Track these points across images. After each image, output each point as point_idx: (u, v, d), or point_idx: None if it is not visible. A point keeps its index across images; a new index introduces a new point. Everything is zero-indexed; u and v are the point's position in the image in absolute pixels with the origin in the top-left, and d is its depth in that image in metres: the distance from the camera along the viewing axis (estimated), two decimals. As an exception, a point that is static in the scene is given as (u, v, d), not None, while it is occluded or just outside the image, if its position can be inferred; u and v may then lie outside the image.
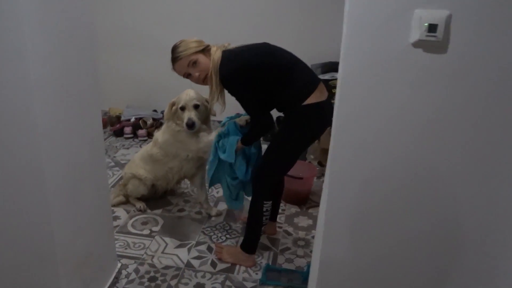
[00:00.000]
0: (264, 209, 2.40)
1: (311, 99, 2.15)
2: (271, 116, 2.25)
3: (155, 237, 2.73)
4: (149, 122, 4.27)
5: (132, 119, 4.29)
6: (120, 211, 3.01)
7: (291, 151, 2.28)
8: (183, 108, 2.70)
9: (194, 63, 2.22)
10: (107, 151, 3.97)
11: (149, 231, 2.79)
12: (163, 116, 4.36)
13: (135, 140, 4.24)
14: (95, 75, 1.92)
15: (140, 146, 4.09)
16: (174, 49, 2.27)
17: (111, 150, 3.98)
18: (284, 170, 2.40)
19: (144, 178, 2.99)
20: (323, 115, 2.19)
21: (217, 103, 2.30)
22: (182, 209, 3.06)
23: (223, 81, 2.18)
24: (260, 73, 2.18)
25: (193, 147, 2.76)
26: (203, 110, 2.75)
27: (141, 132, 4.22)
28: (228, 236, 2.77)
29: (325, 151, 3.67)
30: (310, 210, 3.07)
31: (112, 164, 3.72)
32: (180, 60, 2.24)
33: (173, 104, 2.77)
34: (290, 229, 2.85)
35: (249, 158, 2.49)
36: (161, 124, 4.21)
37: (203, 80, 2.27)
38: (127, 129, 4.24)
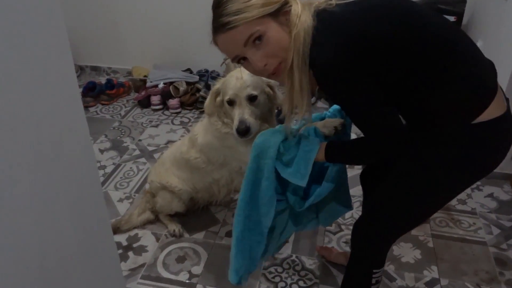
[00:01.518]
0: (373, 280, 1.47)
1: (488, 113, 1.15)
2: (405, 130, 1.21)
3: (197, 286, 1.88)
4: (182, 88, 3.29)
5: (161, 85, 3.32)
6: (147, 236, 2.16)
7: (439, 198, 1.32)
8: (232, 103, 1.72)
9: (259, 38, 1.18)
10: (130, 131, 3.06)
11: (187, 275, 1.94)
12: (200, 81, 3.49)
13: (165, 113, 3.30)
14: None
15: (172, 122, 3.16)
16: (218, 6, 1.21)
17: (136, 130, 3.07)
18: (416, 225, 1.41)
19: (178, 190, 2.09)
20: (503, 137, 1.20)
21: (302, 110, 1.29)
22: (232, 232, 2.17)
23: (320, 72, 1.16)
24: (392, 56, 1.15)
25: (248, 158, 1.79)
26: (263, 102, 1.76)
27: (173, 102, 3.26)
28: (301, 281, 1.89)
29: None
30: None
31: (137, 152, 2.82)
32: (231, 30, 1.17)
33: (217, 93, 1.80)
34: (390, 268, 1.92)
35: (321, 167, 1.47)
36: (198, 90, 3.24)
37: (274, 72, 1.24)
38: (155, 98, 3.29)
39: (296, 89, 1.22)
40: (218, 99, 1.79)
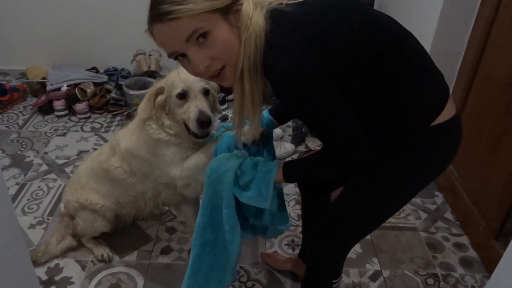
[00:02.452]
0: None
1: (444, 115, 1.17)
2: (368, 144, 1.12)
3: (137, 316, 1.70)
4: (90, 90, 2.98)
5: (64, 87, 2.97)
6: (71, 265, 1.90)
7: (401, 199, 1.29)
8: (183, 96, 1.54)
9: (203, 35, 1.01)
10: (33, 143, 2.69)
11: (124, 304, 1.75)
12: (110, 81, 3.12)
13: (73, 119, 2.96)
14: None
15: (82, 129, 2.84)
16: None
17: (39, 142, 2.71)
18: (375, 227, 1.38)
19: (101, 208, 1.86)
20: (456, 137, 1.22)
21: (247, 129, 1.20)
22: (168, 248, 2.00)
23: (280, 81, 1.02)
24: (353, 61, 1.06)
25: (173, 170, 1.64)
26: (211, 101, 1.63)
27: (80, 106, 2.93)
28: (249, 293, 1.81)
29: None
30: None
31: (44, 167, 2.49)
32: (172, 21, 0.98)
33: (158, 93, 1.60)
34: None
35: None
36: (107, 91, 2.96)
37: (217, 75, 1.09)
38: (58, 103, 2.94)
39: (247, 100, 1.10)
40: (160, 98, 1.59)
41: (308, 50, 1.00)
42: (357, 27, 1.06)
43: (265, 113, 1.52)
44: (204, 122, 1.51)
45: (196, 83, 1.53)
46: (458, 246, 2.06)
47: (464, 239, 2.10)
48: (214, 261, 1.43)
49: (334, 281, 1.41)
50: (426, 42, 2.24)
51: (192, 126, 1.53)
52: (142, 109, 1.63)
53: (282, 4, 1.07)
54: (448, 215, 2.24)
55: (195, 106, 1.53)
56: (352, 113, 1.08)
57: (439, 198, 2.35)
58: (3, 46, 3.30)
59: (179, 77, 1.51)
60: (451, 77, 2.30)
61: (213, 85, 1.62)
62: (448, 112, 1.16)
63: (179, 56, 1.06)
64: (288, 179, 1.25)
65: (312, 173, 1.22)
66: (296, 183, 1.65)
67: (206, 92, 1.57)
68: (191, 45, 1.02)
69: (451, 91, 2.31)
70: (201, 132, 1.54)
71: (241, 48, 1.04)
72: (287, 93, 1.03)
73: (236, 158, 1.31)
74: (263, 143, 1.47)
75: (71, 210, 1.94)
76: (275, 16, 1.05)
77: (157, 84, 1.63)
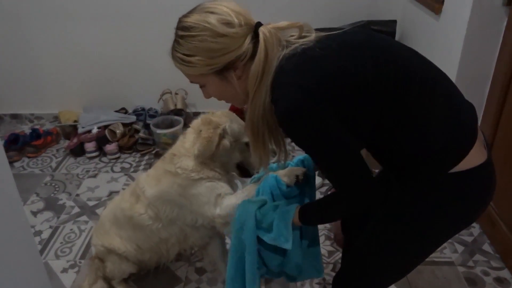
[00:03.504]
0: None
1: (468, 162, 1.06)
2: (377, 182, 1.11)
3: None
4: (119, 131, 3.06)
5: (94, 130, 3.06)
6: (102, 310, 1.91)
7: (419, 253, 1.22)
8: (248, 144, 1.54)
9: (201, 85, 1.23)
10: (65, 185, 2.77)
11: None
12: (138, 121, 3.16)
13: (103, 160, 3.04)
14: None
15: (112, 170, 2.91)
16: (175, 38, 1.15)
17: (71, 184, 2.78)
18: (396, 280, 1.33)
19: (123, 253, 1.86)
20: (484, 187, 1.12)
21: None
22: (198, 291, 1.99)
23: (282, 117, 1.06)
24: (368, 99, 1.05)
25: (211, 210, 1.62)
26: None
27: (110, 147, 3.01)
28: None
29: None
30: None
31: (76, 210, 2.54)
32: (179, 68, 1.20)
33: (222, 136, 1.59)
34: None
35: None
36: (136, 131, 3.02)
37: (238, 104, 1.28)
38: (89, 145, 3.02)
39: (259, 143, 1.19)
40: (225, 142, 1.58)
41: (315, 89, 1.01)
42: (369, 65, 1.05)
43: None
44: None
45: None
46: (500, 281, 1.95)
47: (506, 273, 1.99)
48: None
49: None
50: (452, 68, 2.20)
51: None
52: (202, 152, 1.57)
53: (310, 41, 1.08)
54: (487, 247, 2.14)
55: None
56: (358, 151, 1.08)
57: (476, 229, 2.25)
58: (37, 92, 3.45)
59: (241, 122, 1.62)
60: (480, 102, 2.24)
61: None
62: (473, 159, 1.08)
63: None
64: (304, 221, 1.26)
65: (326, 213, 1.23)
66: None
67: None
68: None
69: (480, 116, 2.24)
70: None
71: (249, 107, 1.13)
72: (289, 129, 1.07)
73: (253, 203, 1.33)
74: (304, 185, 1.47)
75: (99, 253, 1.96)
76: (289, 55, 1.06)
77: (212, 125, 1.58)
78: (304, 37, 1.11)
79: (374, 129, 1.09)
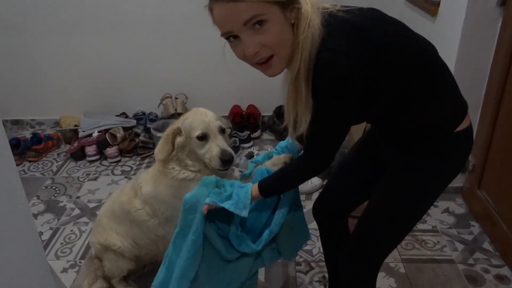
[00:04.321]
0: None
1: (464, 123, 1.26)
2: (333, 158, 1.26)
3: None
4: (120, 134, 3.08)
5: (95, 133, 3.08)
6: (102, 309, 1.91)
7: (427, 204, 1.35)
8: (203, 137, 1.58)
9: (260, 22, 1.05)
10: (66, 188, 2.78)
11: None
12: (138, 125, 3.19)
13: (103, 163, 3.05)
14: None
15: (113, 173, 2.92)
16: None
17: (72, 187, 2.79)
18: (405, 236, 1.40)
19: (118, 248, 1.86)
20: (471, 143, 1.31)
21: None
22: (197, 289, 1.98)
23: (322, 81, 1.07)
24: (398, 71, 1.14)
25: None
26: (227, 138, 1.69)
27: (111, 151, 3.02)
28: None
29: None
30: (388, 262, 2.06)
31: (77, 211, 2.55)
32: (235, 3, 1.03)
33: (175, 133, 1.63)
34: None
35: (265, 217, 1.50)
36: (136, 135, 3.04)
37: (262, 63, 1.13)
38: (90, 149, 3.04)
39: (302, 100, 1.13)
40: (179, 140, 1.62)
41: (361, 66, 1.06)
42: (401, 41, 1.15)
43: (288, 138, 1.56)
44: (227, 160, 1.56)
45: (213, 123, 1.59)
46: (500, 278, 1.95)
47: (506, 271, 1.99)
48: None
49: None
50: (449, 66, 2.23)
51: (215, 163, 1.56)
52: (160, 150, 1.64)
53: (334, 9, 1.12)
54: (487, 245, 2.14)
55: (217, 145, 1.57)
56: (347, 131, 1.20)
57: (476, 228, 2.26)
58: (39, 98, 3.48)
59: (198, 117, 1.59)
60: (476, 102, 2.26)
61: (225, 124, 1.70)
62: (466, 121, 1.25)
63: (231, 37, 1.10)
64: (264, 194, 1.36)
65: (284, 182, 1.35)
66: (313, 215, 1.64)
67: (222, 131, 1.62)
68: (247, 29, 1.06)
69: (477, 117, 2.27)
70: (224, 168, 1.58)
71: (298, 49, 1.09)
72: (320, 92, 1.09)
73: (205, 187, 1.41)
74: None
75: (97, 252, 1.96)
76: (328, 20, 1.09)
77: (173, 125, 1.65)
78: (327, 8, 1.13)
79: (396, 99, 1.17)
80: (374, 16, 1.18)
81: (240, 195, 1.36)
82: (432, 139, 1.25)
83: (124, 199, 1.82)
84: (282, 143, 1.59)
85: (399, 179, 1.28)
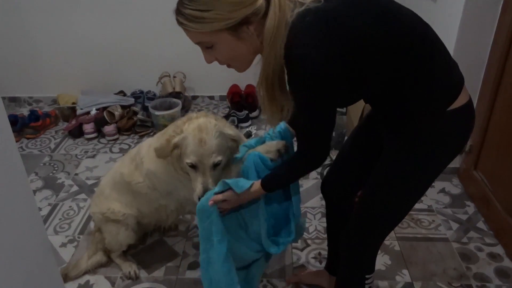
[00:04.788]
0: (367, 287, 1.44)
1: (461, 100, 1.21)
2: (328, 152, 1.29)
3: (165, 331, 1.71)
4: (117, 112, 3.07)
5: (93, 111, 3.07)
6: (101, 282, 1.93)
7: (424, 185, 1.33)
8: (193, 167, 1.52)
9: (209, 46, 1.18)
10: (64, 165, 2.78)
11: (153, 320, 1.76)
12: (136, 103, 3.15)
13: (101, 141, 3.05)
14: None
15: (111, 150, 2.93)
16: None
17: (70, 164, 2.80)
18: (404, 216, 1.40)
19: (122, 216, 1.88)
20: (471, 120, 1.27)
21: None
22: (195, 264, 2.00)
23: (296, 77, 1.12)
24: (377, 59, 1.13)
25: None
26: (228, 155, 1.58)
27: (109, 129, 3.02)
28: (276, 307, 1.78)
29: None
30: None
31: (75, 188, 2.56)
32: (184, 29, 1.15)
33: (174, 146, 1.54)
34: None
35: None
36: (134, 113, 3.04)
37: (238, 68, 1.26)
38: (88, 127, 3.03)
39: (277, 98, 1.20)
40: (176, 152, 1.55)
41: (331, 55, 1.06)
42: (377, 24, 1.12)
43: (282, 124, 1.55)
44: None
45: (208, 157, 1.48)
46: (493, 256, 1.99)
47: (499, 249, 2.02)
48: None
49: (367, 276, 1.43)
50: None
51: (195, 200, 1.50)
52: (160, 150, 1.57)
53: (310, 5, 1.10)
54: (481, 225, 2.17)
55: (201, 183, 1.49)
56: (334, 120, 1.21)
57: (471, 208, 2.28)
58: (36, 75, 3.45)
59: (194, 144, 1.48)
60: (475, 86, 2.26)
61: (232, 134, 1.57)
62: (462, 99, 1.20)
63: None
64: (268, 190, 1.39)
65: (287, 178, 1.40)
66: (321, 193, 1.66)
67: (216, 165, 1.51)
68: (201, 47, 1.20)
69: (476, 99, 2.27)
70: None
71: (264, 61, 1.14)
72: (298, 89, 1.14)
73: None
74: (284, 155, 1.54)
75: (97, 222, 1.98)
76: (301, 13, 1.09)
77: (175, 133, 1.55)
78: None
79: (381, 83, 1.17)
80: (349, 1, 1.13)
81: (241, 180, 1.42)
82: (424, 119, 1.21)
83: (124, 171, 1.83)
84: (277, 129, 1.57)
85: (394, 159, 1.27)
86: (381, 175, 1.31)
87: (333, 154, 2.68)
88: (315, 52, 1.05)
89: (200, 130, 1.49)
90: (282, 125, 1.56)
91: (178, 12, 1.11)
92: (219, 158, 1.50)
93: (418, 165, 1.25)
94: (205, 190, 1.48)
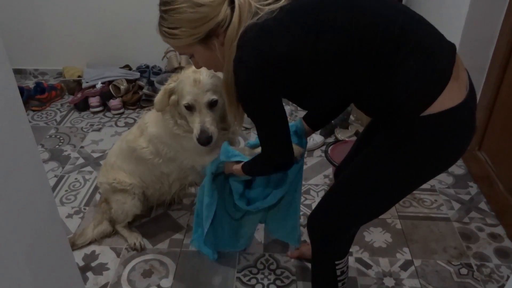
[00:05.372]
0: (338, 272, 1.43)
1: (440, 104, 1.07)
2: (292, 154, 1.31)
3: (169, 300, 1.75)
4: (123, 86, 3.07)
5: (99, 85, 3.07)
6: (106, 252, 1.97)
7: (399, 188, 1.26)
8: (190, 108, 1.59)
9: (190, 56, 1.31)
10: (70, 138, 2.80)
11: (157, 290, 1.80)
12: (142, 78, 3.12)
13: (107, 115, 3.06)
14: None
15: (116, 124, 2.94)
16: (161, 13, 1.21)
17: (76, 137, 2.82)
18: (378, 214, 1.37)
19: (129, 185, 1.92)
20: (459, 128, 1.13)
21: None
22: (198, 237, 2.04)
23: (239, 93, 1.22)
24: (324, 70, 1.15)
25: (202, 159, 1.71)
26: (223, 105, 1.61)
27: (114, 103, 3.03)
28: (278, 280, 1.82)
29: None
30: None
31: (81, 161, 2.58)
32: (166, 42, 1.27)
33: (171, 92, 1.64)
34: (365, 255, 1.91)
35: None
36: (140, 87, 3.05)
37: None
38: (94, 100, 3.04)
39: (233, 104, 1.28)
40: (173, 98, 1.63)
41: (255, 67, 1.12)
42: (316, 34, 1.10)
43: (299, 122, 1.58)
44: (203, 142, 1.57)
45: (202, 96, 1.55)
46: (493, 236, 2.00)
47: (500, 230, 2.04)
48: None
49: (337, 262, 1.41)
50: (457, 28, 2.20)
51: (195, 139, 1.57)
52: (158, 101, 1.67)
53: (262, 11, 1.14)
54: (483, 205, 2.18)
55: (198, 122, 1.56)
56: (287, 124, 1.24)
57: (474, 188, 2.29)
58: (42, 48, 3.44)
59: (189, 84, 1.56)
60: (483, 64, 2.24)
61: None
62: (446, 101, 1.07)
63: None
64: (245, 171, 1.47)
65: (256, 170, 1.45)
66: (334, 178, 1.68)
67: (213, 104, 1.58)
68: (188, 56, 1.31)
69: (483, 79, 2.25)
70: (202, 145, 1.59)
71: (225, 69, 1.22)
72: (242, 99, 1.21)
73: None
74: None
75: (104, 193, 2.02)
76: (250, 27, 1.14)
77: (172, 80, 1.64)
78: (277, 1, 1.14)
79: (339, 84, 1.17)
80: (296, 8, 1.12)
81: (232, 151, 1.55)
82: (399, 123, 1.12)
83: (130, 137, 1.88)
84: (292, 127, 1.56)
85: (373, 153, 1.23)
86: (357, 163, 1.28)
87: (338, 133, 2.68)
88: (245, 67, 1.13)
89: (195, 72, 1.57)
90: (299, 123, 1.57)
91: (159, 30, 1.22)
92: (214, 96, 1.57)
93: (393, 170, 1.18)
94: (203, 129, 1.55)
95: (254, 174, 1.53)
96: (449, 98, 1.07)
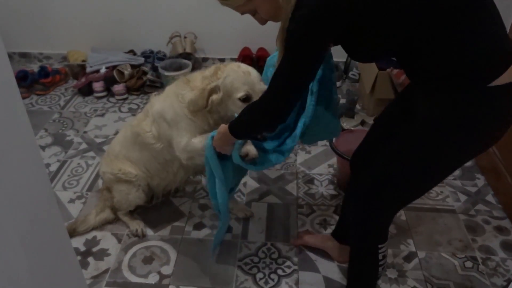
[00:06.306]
0: (380, 256, 1.41)
1: (508, 77, 1.07)
2: (288, 114, 1.29)
3: (169, 287, 1.74)
4: (127, 72, 3.04)
5: (103, 70, 3.04)
6: (107, 238, 1.96)
7: (447, 164, 1.23)
8: (248, 99, 1.54)
9: (253, 13, 1.31)
10: (73, 122, 2.79)
11: (157, 276, 1.79)
12: (146, 63, 3.07)
13: (111, 100, 3.03)
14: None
15: (120, 110, 2.92)
16: None
17: (79, 122, 2.80)
18: (424, 192, 1.37)
19: (134, 177, 1.90)
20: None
21: None
22: (201, 224, 2.03)
23: (290, 29, 1.16)
24: (400, 16, 1.11)
25: (180, 139, 1.70)
26: None
27: (118, 88, 3.00)
28: (279, 269, 1.80)
29: (381, 103, 2.60)
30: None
31: (84, 146, 2.57)
32: (231, 8, 1.31)
33: (211, 92, 1.57)
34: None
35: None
36: (144, 73, 3.02)
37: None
38: (97, 85, 3.01)
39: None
40: (215, 97, 1.56)
41: (319, 4, 1.09)
42: None
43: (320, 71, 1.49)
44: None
45: (257, 85, 1.54)
46: (500, 229, 1.97)
47: (507, 223, 2.00)
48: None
49: (380, 245, 1.38)
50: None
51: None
52: (194, 101, 1.59)
53: None
54: (490, 198, 2.15)
55: None
56: (309, 82, 1.26)
57: (481, 180, 2.25)
58: (46, 32, 3.41)
59: (241, 76, 1.53)
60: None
61: None
62: (510, 75, 1.07)
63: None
64: (231, 130, 1.39)
65: (242, 119, 1.37)
66: (349, 165, 1.64)
67: None
68: (251, 14, 1.31)
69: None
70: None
71: (283, 17, 1.19)
72: (288, 32, 1.16)
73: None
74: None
75: (107, 182, 2.00)
76: None
77: (209, 81, 1.57)
78: None
79: (409, 40, 1.12)
80: None
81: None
82: (460, 91, 1.10)
83: (134, 122, 1.86)
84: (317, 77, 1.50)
85: (423, 129, 1.19)
86: (409, 137, 1.23)
87: (344, 122, 2.65)
88: (309, 7, 1.10)
89: (238, 66, 1.58)
90: (320, 72, 1.48)
91: None
92: (266, 86, 1.51)
93: (445, 144, 1.16)
94: None
95: (240, 130, 1.40)
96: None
